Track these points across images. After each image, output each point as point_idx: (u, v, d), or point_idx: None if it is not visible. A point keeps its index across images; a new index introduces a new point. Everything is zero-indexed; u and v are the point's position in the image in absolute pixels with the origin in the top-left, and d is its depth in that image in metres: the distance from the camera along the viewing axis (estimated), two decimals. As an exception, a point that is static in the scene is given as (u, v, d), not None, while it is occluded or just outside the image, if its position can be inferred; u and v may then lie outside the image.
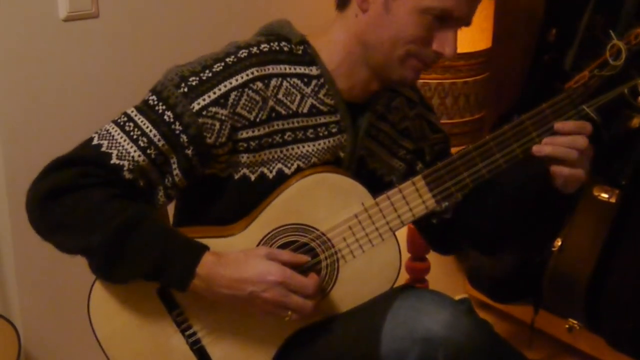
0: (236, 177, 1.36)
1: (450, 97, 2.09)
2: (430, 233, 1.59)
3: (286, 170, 1.36)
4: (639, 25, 1.31)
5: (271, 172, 1.36)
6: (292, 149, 1.36)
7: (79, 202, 1.28)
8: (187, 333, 1.38)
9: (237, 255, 1.31)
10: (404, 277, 2.35)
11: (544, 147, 1.32)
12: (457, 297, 1.34)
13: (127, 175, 1.30)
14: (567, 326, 2.30)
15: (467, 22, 1.36)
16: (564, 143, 1.32)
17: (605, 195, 2.15)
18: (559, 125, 1.33)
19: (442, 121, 2.08)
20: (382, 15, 1.32)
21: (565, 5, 2.35)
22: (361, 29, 1.35)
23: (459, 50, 2.03)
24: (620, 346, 2.18)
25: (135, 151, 1.30)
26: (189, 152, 1.31)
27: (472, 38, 2.07)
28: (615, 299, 2.14)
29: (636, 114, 2.09)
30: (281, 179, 1.36)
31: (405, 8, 1.30)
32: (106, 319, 1.36)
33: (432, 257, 2.38)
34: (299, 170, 1.37)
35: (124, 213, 1.27)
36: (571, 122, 1.33)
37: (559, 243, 2.22)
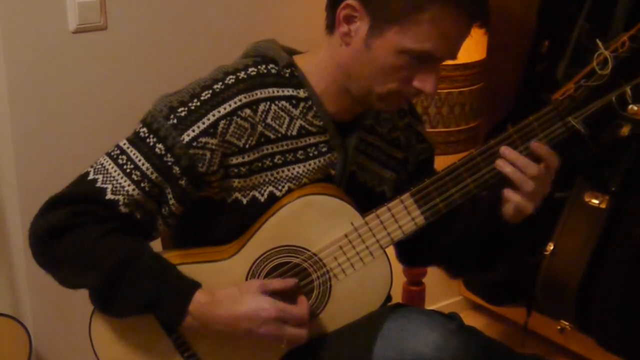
0: (229, 200, 1.36)
1: (446, 107, 2.10)
2: (401, 243, 1.47)
3: (277, 193, 1.36)
4: (624, 33, 1.29)
5: (262, 195, 1.36)
6: (283, 171, 1.36)
7: (75, 241, 1.29)
8: (186, 354, 1.39)
9: (231, 292, 1.31)
10: (401, 280, 2.38)
11: (505, 166, 1.31)
12: (448, 312, 1.35)
13: (123, 209, 1.31)
14: (559, 327, 2.32)
15: (451, 58, 1.33)
16: (523, 167, 1.29)
17: (595, 201, 2.17)
18: (534, 145, 1.30)
19: (439, 130, 2.11)
20: (364, 51, 1.30)
21: (557, 17, 2.36)
22: (345, 60, 1.34)
23: (455, 62, 2.08)
24: (610, 346, 2.20)
25: (129, 185, 1.30)
26: (183, 182, 1.31)
27: (468, 49, 2.06)
28: (605, 301, 2.16)
29: (625, 122, 2.09)
30: (272, 202, 1.36)
31: (386, 47, 1.28)
32: (108, 345, 1.38)
33: (429, 260, 2.42)
34: (289, 192, 1.36)
35: (117, 252, 1.28)
36: (545, 147, 1.30)
37: (551, 247, 2.23)
